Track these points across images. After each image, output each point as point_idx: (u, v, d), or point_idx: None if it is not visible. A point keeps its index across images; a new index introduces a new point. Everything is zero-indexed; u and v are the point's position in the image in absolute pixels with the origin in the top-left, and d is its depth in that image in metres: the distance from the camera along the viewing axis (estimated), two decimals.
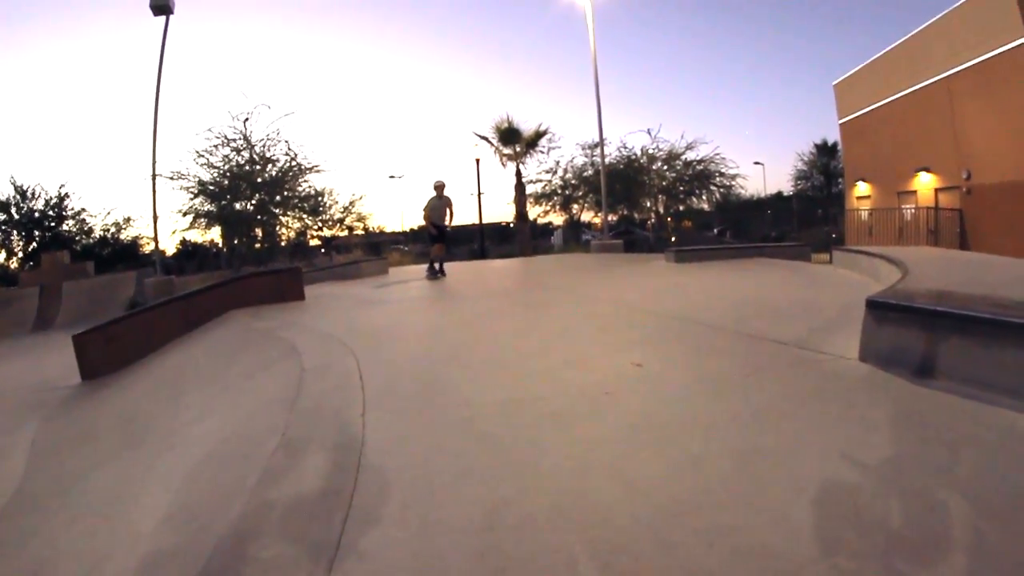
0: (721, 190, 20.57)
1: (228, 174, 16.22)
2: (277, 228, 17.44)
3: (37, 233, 19.37)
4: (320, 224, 18.11)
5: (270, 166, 16.81)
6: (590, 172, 19.92)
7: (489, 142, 19.94)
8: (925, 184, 15.77)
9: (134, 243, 21.40)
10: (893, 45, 16.92)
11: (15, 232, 19.16)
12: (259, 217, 16.78)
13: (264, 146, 16.70)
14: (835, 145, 31.24)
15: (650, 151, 20.02)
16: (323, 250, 21.74)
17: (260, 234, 17.22)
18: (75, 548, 2.47)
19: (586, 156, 20.15)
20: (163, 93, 13.53)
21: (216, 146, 16.25)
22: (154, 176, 13.62)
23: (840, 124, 20.37)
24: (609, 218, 17.10)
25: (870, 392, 2.72)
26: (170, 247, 24.24)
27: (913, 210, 15.97)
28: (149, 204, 13.71)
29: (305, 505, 2.01)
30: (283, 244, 17.93)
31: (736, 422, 2.50)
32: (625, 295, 6.58)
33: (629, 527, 1.75)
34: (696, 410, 2.70)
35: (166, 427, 3.80)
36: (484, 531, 1.79)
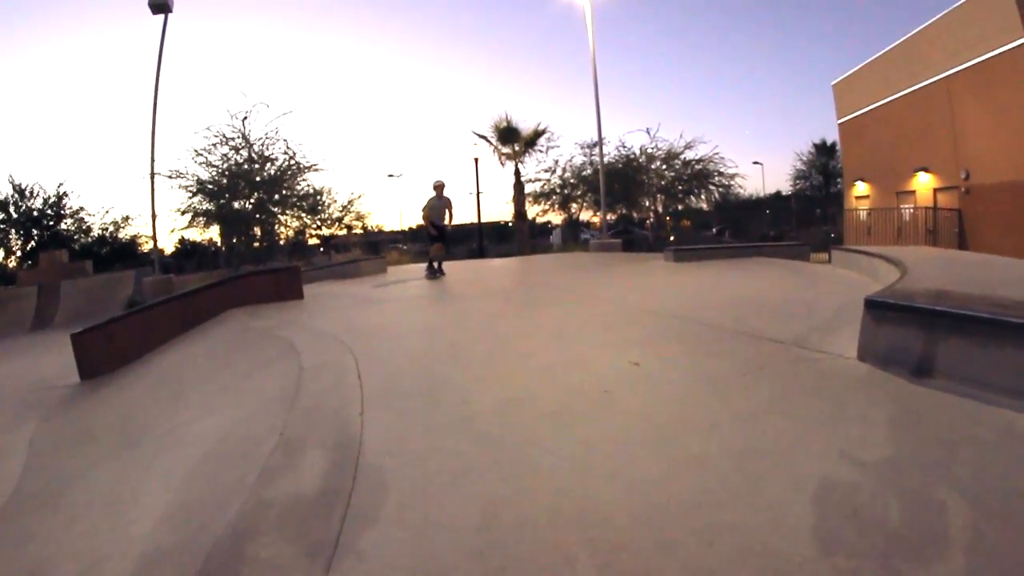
0: (720, 189, 20.63)
1: (227, 173, 16.21)
2: (276, 227, 17.45)
3: (35, 232, 19.36)
4: (319, 223, 18.13)
5: (269, 165, 16.81)
6: (589, 171, 19.94)
7: (488, 141, 19.95)
8: (924, 184, 15.79)
9: (132, 242, 21.40)
10: (892, 45, 16.93)
11: (13, 231, 19.15)
12: (258, 216, 16.78)
13: (263, 145, 16.71)
14: (834, 145, 31.29)
15: (649, 150, 20.07)
16: (322, 249, 21.73)
17: (259, 233, 17.22)
18: (73, 548, 2.46)
19: (585, 155, 20.19)
20: (162, 92, 13.52)
21: (215, 145, 16.26)
22: (152, 175, 13.61)
23: (839, 124, 20.37)
24: (608, 217, 17.10)
25: (869, 391, 2.72)
26: (169, 246, 24.30)
27: (912, 210, 15.99)
28: (147, 203, 13.73)
29: (303, 504, 2.01)
30: (282, 243, 17.93)
31: (735, 421, 2.50)
32: (624, 294, 6.58)
33: (628, 526, 1.75)
34: (695, 409, 2.71)
35: (164, 426, 3.80)
36: (483, 530, 1.79)
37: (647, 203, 20.97)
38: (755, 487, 1.93)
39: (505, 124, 19.41)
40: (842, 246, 10.14)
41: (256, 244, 17.32)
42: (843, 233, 19.16)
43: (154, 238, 14.08)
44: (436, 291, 8.27)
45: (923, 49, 15.28)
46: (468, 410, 2.89)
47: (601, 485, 2.02)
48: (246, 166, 16.42)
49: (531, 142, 19.64)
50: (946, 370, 2.69)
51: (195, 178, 16.11)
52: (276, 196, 16.83)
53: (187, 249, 25.22)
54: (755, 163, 45.20)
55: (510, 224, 25.35)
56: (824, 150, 35.74)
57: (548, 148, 20.05)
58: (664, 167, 20.06)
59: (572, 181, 20.52)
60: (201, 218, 16.49)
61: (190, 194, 16.11)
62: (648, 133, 21.19)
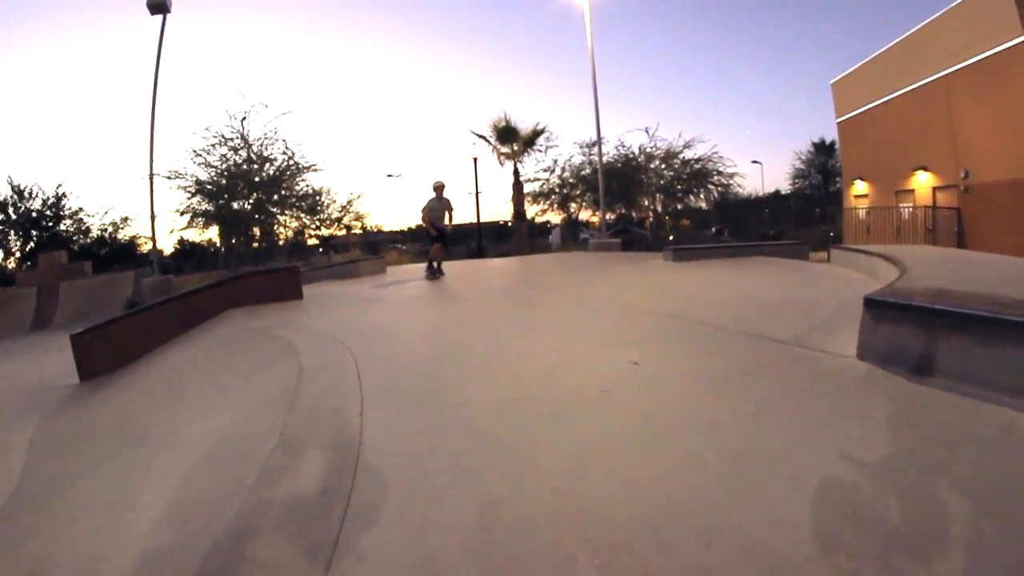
0: (719, 189, 20.66)
1: (226, 173, 16.22)
2: (275, 227, 17.46)
3: (34, 233, 19.34)
4: (318, 223, 18.14)
5: (268, 165, 16.82)
6: (588, 171, 19.96)
7: (487, 141, 19.95)
8: (923, 183, 15.80)
9: (132, 243, 21.38)
10: (891, 44, 16.93)
11: (12, 232, 19.13)
12: (257, 216, 16.78)
13: (262, 145, 16.72)
14: (833, 144, 31.27)
15: (648, 150, 20.09)
16: (321, 249, 21.74)
17: (258, 233, 17.24)
18: (73, 548, 2.46)
19: (584, 155, 20.21)
20: (160, 92, 13.49)
21: (213, 145, 16.28)
22: (151, 175, 13.60)
23: (838, 123, 20.38)
24: (607, 217, 17.11)
25: (868, 390, 2.72)
26: (168, 246, 24.30)
27: (911, 209, 16.00)
28: (146, 203, 13.73)
29: (303, 505, 2.01)
30: (281, 243, 17.94)
31: (735, 420, 2.50)
32: (623, 294, 6.58)
33: (628, 526, 1.75)
34: (695, 408, 2.70)
35: (164, 427, 3.80)
36: (482, 530, 1.78)
37: (646, 202, 21.00)
38: (755, 487, 1.93)
39: (504, 124, 19.41)
40: (841, 245, 10.15)
41: (255, 244, 17.33)
42: (842, 232, 19.18)
43: (153, 239, 14.10)
44: (435, 291, 8.27)
45: (922, 48, 15.28)
46: (468, 410, 2.89)
47: (601, 485, 2.02)
48: (245, 166, 16.42)
49: (530, 142, 19.65)
50: (946, 369, 2.69)
51: (194, 179, 16.13)
52: (275, 196, 16.84)
53: (186, 250, 25.22)
54: (754, 162, 45.49)
55: (509, 224, 25.34)
56: (823, 149, 35.73)
57: (547, 148, 20.10)
58: (663, 166, 20.08)
59: (571, 181, 20.55)
60: (200, 219, 16.51)
61: (189, 195, 16.14)
62: (647, 132, 21.19)
